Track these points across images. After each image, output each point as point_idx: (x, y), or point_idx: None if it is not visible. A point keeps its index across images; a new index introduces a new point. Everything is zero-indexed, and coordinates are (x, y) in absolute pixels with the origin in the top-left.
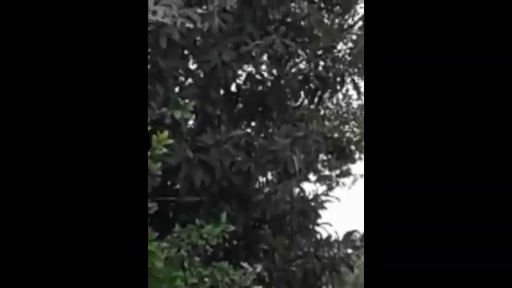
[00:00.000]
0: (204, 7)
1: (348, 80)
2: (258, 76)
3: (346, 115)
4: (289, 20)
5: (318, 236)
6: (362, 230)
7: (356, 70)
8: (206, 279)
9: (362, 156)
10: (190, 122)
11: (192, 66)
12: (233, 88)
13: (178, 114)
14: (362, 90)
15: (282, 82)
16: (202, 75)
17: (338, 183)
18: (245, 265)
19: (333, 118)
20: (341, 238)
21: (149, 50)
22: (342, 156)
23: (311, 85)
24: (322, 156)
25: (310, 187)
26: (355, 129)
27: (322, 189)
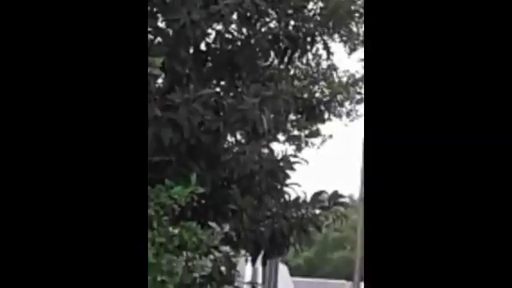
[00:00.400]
0: None
1: (318, 39)
2: (227, 35)
3: (315, 75)
4: None
5: (287, 196)
6: (329, 190)
7: (326, 30)
8: (174, 238)
9: (332, 116)
10: (159, 81)
11: (161, 24)
12: (202, 47)
13: None
14: (332, 49)
15: (252, 41)
16: (170, 34)
17: (306, 143)
18: (213, 224)
19: (302, 77)
20: (309, 199)
21: None
22: (311, 116)
23: (281, 44)
24: (292, 116)
25: (279, 147)
26: (325, 89)
27: (291, 149)
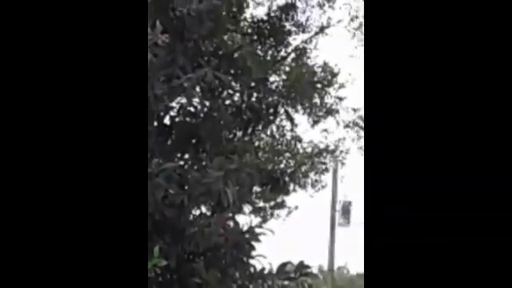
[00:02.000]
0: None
1: (281, 111)
2: (190, 108)
3: (280, 147)
4: (221, 52)
5: (252, 269)
6: (295, 261)
7: (289, 102)
8: None
9: (297, 188)
10: None
11: None
12: (166, 120)
13: None
14: (296, 121)
15: (215, 114)
16: None
17: (272, 215)
18: None
19: (267, 149)
20: (275, 270)
21: None
22: (276, 188)
23: (244, 116)
24: (257, 188)
25: (245, 219)
26: (289, 160)
27: (256, 220)
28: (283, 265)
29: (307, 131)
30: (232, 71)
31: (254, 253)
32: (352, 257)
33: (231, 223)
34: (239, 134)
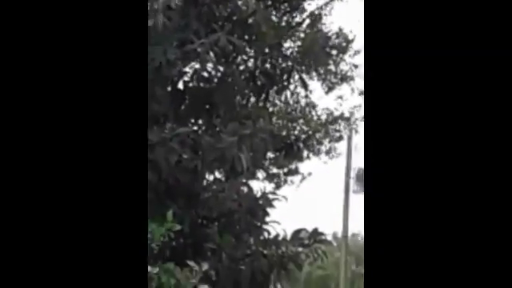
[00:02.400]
0: (148, 4)
1: (296, 77)
2: (204, 73)
3: (294, 113)
4: (235, 17)
5: (266, 234)
6: (309, 228)
7: (303, 68)
8: (151, 280)
9: (310, 154)
10: None
11: None
12: (180, 85)
13: None
14: (310, 87)
15: (229, 79)
16: None
17: (286, 181)
18: (191, 263)
19: (281, 115)
20: (289, 237)
21: None
22: (289, 154)
23: (258, 82)
24: (270, 154)
25: (258, 185)
26: (303, 127)
27: (270, 187)
28: (297, 231)
29: (322, 98)
30: (246, 37)
31: (267, 219)
32: None
33: (245, 189)
34: (253, 99)
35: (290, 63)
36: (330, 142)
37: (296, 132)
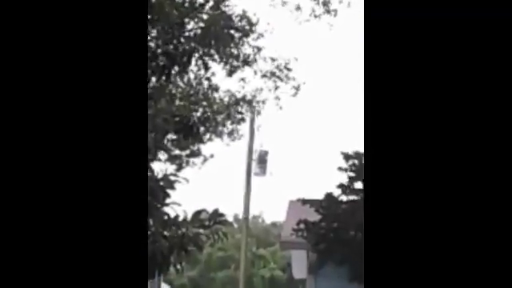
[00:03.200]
0: None
1: (197, 58)
2: None
3: (196, 95)
4: None
5: (166, 216)
6: (210, 209)
7: (205, 50)
8: None
9: (213, 136)
10: None
11: None
12: None
13: None
14: (213, 70)
15: None
16: None
17: (188, 163)
18: None
19: (183, 96)
20: (189, 218)
21: None
22: (189, 135)
23: (160, 62)
24: (172, 135)
25: (160, 166)
26: (206, 108)
27: (171, 168)
28: (198, 212)
29: (224, 80)
30: (148, 16)
31: (168, 200)
32: (267, 206)
33: None
34: (154, 79)
35: (192, 44)
36: (232, 124)
37: (198, 114)
